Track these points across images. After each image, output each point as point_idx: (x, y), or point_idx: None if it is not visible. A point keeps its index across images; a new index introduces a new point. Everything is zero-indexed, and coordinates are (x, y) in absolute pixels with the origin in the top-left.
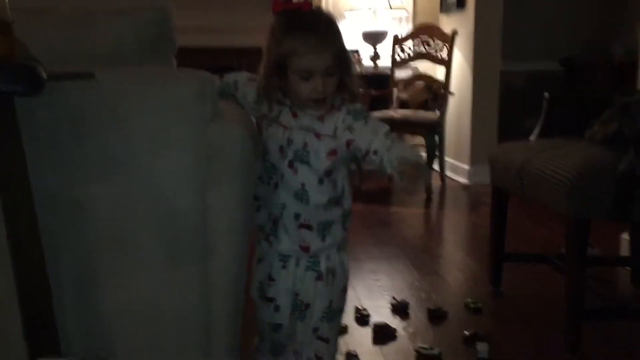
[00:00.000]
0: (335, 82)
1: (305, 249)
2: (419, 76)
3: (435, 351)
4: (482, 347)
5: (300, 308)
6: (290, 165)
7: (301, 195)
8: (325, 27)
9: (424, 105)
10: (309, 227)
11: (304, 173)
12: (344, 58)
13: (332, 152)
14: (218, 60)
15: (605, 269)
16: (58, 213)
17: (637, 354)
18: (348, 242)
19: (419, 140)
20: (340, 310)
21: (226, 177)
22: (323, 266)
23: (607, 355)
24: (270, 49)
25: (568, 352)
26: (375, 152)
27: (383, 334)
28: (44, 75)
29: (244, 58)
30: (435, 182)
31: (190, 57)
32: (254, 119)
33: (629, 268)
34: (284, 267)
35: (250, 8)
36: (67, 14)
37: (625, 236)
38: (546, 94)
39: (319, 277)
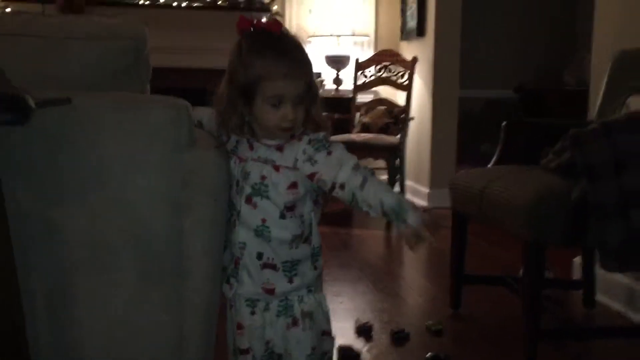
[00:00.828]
0: (304, 111)
1: (269, 292)
2: (380, 100)
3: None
4: None
5: (272, 359)
6: (248, 200)
7: (261, 232)
8: (299, 52)
9: (385, 129)
10: (273, 267)
11: (263, 208)
12: (313, 86)
13: (293, 185)
14: (185, 81)
15: (559, 291)
16: (31, 233)
17: None
18: (321, 282)
19: (380, 163)
20: (325, 355)
21: (201, 202)
22: (297, 310)
23: None
24: (236, 71)
25: None
26: (342, 187)
27: (348, 356)
28: (32, 104)
29: (211, 79)
30: None
31: (157, 77)
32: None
33: (580, 291)
34: (252, 312)
35: (217, 29)
36: (43, 38)
37: (577, 260)
38: (503, 123)
39: (294, 323)
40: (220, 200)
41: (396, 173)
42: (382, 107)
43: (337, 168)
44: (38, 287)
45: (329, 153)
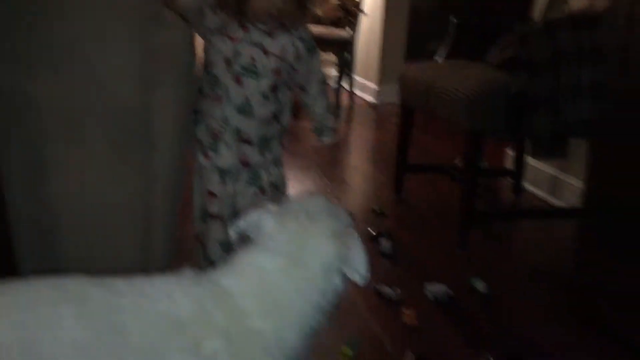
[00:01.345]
0: (295, 3)
1: (245, 164)
2: None
3: None
4: (386, 244)
5: None
6: (237, 79)
7: (245, 109)
8: None
9: (336, 23)
10: (249, 142)
11: (249, 87)
12: None
13: (277, 70)
14: None
15: (492, 180)
16: (7, 106)
17: (513, 247)
18: (283, 158)
19: (331, 57)
20: None
21: (170, 78)
22: (265, 181)
23: (490, 248)
24: None
25: (459, 247)
26: (304, 90)
27: None
28: None
29: None
30: (345, 99)
31: None
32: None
33: (510, 180)
34: (223, 182)
35: None
36: None
37: (509, 151)
38: (453, 20)
39: (262, 191)
40: (188, 77)
41: (345, 67)
42: (335, 0)
43: (311, 73)
44: (15, 159)
45: (313, 56)
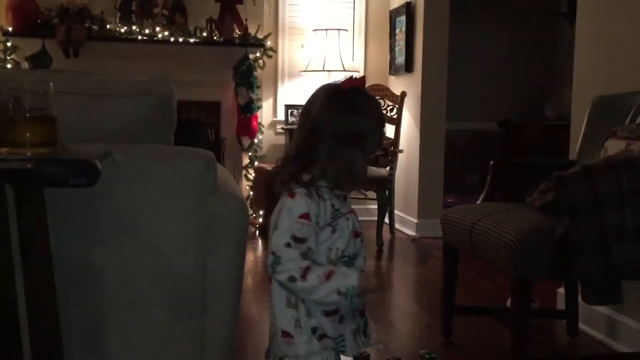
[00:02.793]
0: None
1: (367, 336)
2: None
3: None
4: None
5: None
6: (360, 251)
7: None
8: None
9: (375, 161)
10: (363, 312)
11: (363, 255)
12: None
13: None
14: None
15: (544, 320)
16: (71, 274)
17: None
18: None
19: (371, 194)
20: None
21: (224, 243)
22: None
23: None
24: (334, 124)
25: None
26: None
27: None
28: (100, 167)
29: (204, 111)
30: (386, 235)
31: None
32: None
33: (564, 320)
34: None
35: (212, 63)
36: (87, 95)
37: (561, 290)
38: (491, 162)
39: None
40: (241, 242)
41: (386, 204)
42: None
43: None
44: (76, 324)
45: None
